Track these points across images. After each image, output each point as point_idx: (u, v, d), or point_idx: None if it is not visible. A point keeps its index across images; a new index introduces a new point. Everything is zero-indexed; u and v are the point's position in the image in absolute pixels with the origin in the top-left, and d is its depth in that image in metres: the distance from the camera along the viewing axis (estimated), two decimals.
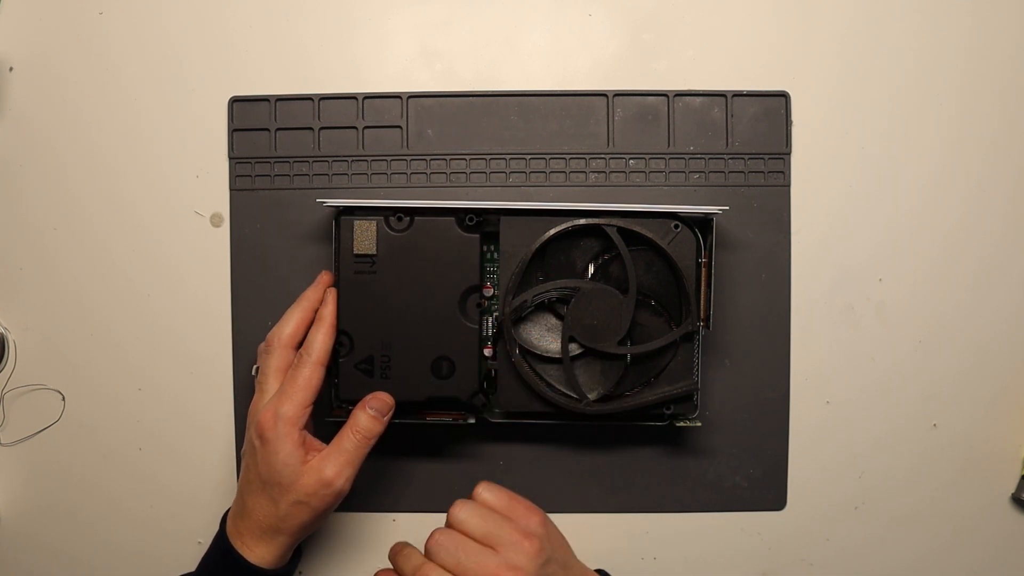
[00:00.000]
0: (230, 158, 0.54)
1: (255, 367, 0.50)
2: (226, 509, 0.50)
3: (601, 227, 0.49)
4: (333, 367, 0.50)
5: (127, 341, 0.55)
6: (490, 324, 0.52)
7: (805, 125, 0.54)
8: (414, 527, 0.55)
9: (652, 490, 0.54)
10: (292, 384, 0.47)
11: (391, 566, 0.50)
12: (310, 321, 0.49)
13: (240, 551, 0.47)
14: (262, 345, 0.49)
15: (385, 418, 0.49)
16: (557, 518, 0.53)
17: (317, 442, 0.48)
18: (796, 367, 0.54)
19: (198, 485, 0.55)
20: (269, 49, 0.54)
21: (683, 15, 0.54)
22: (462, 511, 0.47)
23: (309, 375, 0.47)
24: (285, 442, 0.46)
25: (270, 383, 0.48)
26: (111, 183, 0.54)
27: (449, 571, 0.44)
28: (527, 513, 0.47)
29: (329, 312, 0.49)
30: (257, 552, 0.47)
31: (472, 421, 0.51)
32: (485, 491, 0.48)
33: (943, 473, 0.55)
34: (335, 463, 0.47)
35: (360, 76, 0.54)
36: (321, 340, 0.48)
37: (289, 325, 0.49)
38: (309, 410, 0.47)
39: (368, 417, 0.48)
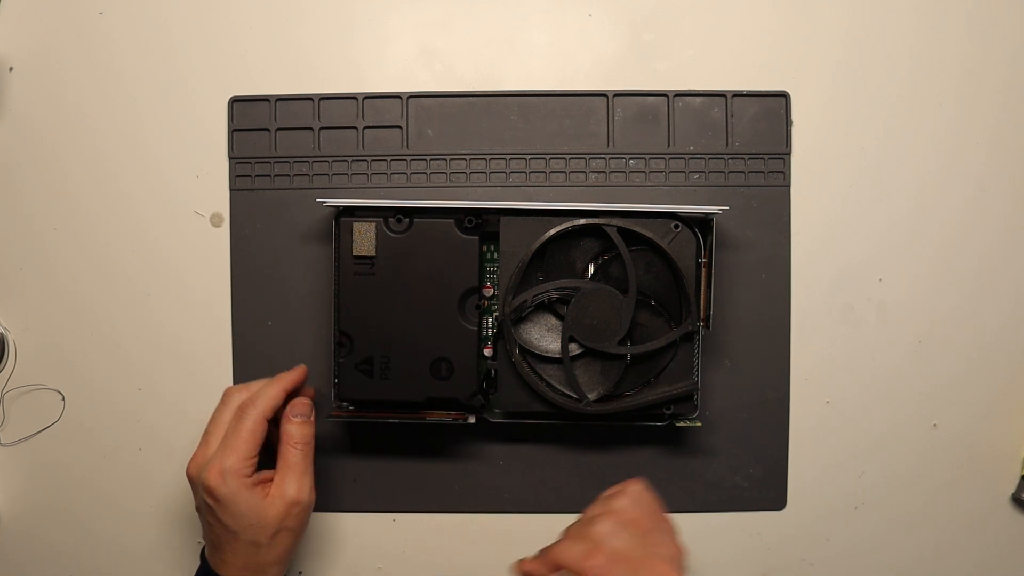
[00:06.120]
0: (230, 158, 0.54)
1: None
2: (202, 546, 0.49)
3: (601, 227, 0.49)
4: (334, 367, 0.50)
5: (127, 341, 0.55)
6: (490, 324, 0.52)
7: (805, 125, 0.54)
8: (414, 527, 0.55)
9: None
10: (236, 436, 0.46)
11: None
12: (279, 397, 0.48)
13: None
14: (236, 392, 0.49)
15: (311, 418, 0.49)
16: (557, 518, 0.53)
17: (265, 472, 0.48)
18: (796, 367, 0.54)
19: None
20: (269, 49, 0.54)
21: (683, 15, 0.54)
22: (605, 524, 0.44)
23: (253, 427, 0.47)
24: (240, 493, 0.46)
25: (215, 437, 0.48)
26: (111, 183, 0.54)
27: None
28: (665, 539, 0.45)
29: (288, 378, 0.49)
30: None
31: (472, 421, 0.51)
32: (631, 505, 0.46)
33: (943, 473, 0.55)
34: (293, 481, 0.47)
35: (360, 76, 0.54)
36: (272, 394, 0.48)
37: (256, 389, 0.48)
38: (254, 461, 0.47)
39: (297, 425, 0.48)
